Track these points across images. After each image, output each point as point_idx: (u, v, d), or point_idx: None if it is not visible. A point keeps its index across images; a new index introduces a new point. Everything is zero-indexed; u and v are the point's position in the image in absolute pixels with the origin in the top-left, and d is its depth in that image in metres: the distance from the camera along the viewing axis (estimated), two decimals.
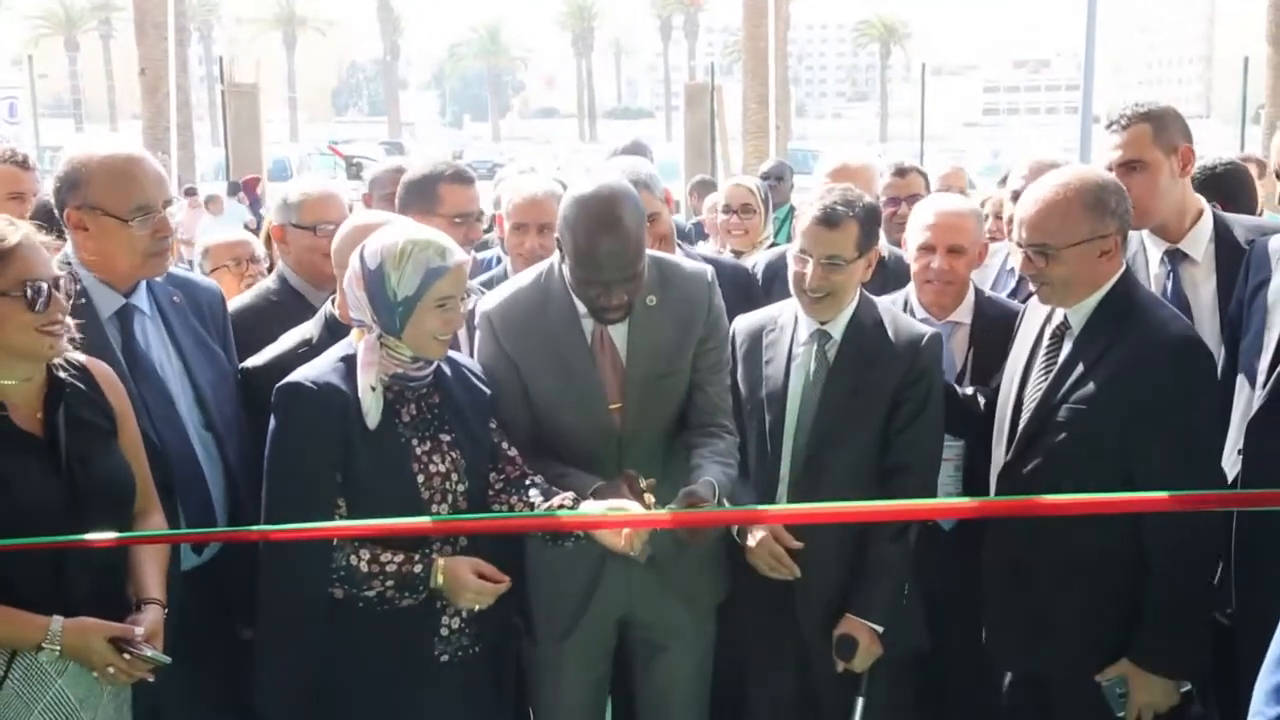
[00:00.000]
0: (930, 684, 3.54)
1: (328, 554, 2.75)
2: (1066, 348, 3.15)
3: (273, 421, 2.80)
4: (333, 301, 3.29)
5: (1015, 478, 3.18)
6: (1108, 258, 3.08)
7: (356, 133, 59.30)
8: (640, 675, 3.40)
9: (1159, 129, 3.46)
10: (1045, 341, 3.23)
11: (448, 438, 2.90)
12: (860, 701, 3.29)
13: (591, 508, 2.84)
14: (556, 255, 3.15)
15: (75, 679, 2.57)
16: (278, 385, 2.79)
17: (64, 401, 2.63)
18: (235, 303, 3.77)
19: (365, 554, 2.75)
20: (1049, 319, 3.26)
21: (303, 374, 2.80)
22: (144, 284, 3.11)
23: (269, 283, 3.85)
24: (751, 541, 3.26)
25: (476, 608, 2.84)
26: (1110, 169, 3.45)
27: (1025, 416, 3.18)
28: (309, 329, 3.26)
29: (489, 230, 5.19)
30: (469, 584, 2.77)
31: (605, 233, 2.95)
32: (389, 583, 2.76)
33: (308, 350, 3.10)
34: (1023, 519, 3.16)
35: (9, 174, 4.47)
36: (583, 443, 3.16)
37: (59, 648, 2.48)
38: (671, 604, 3.28)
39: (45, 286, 2.52)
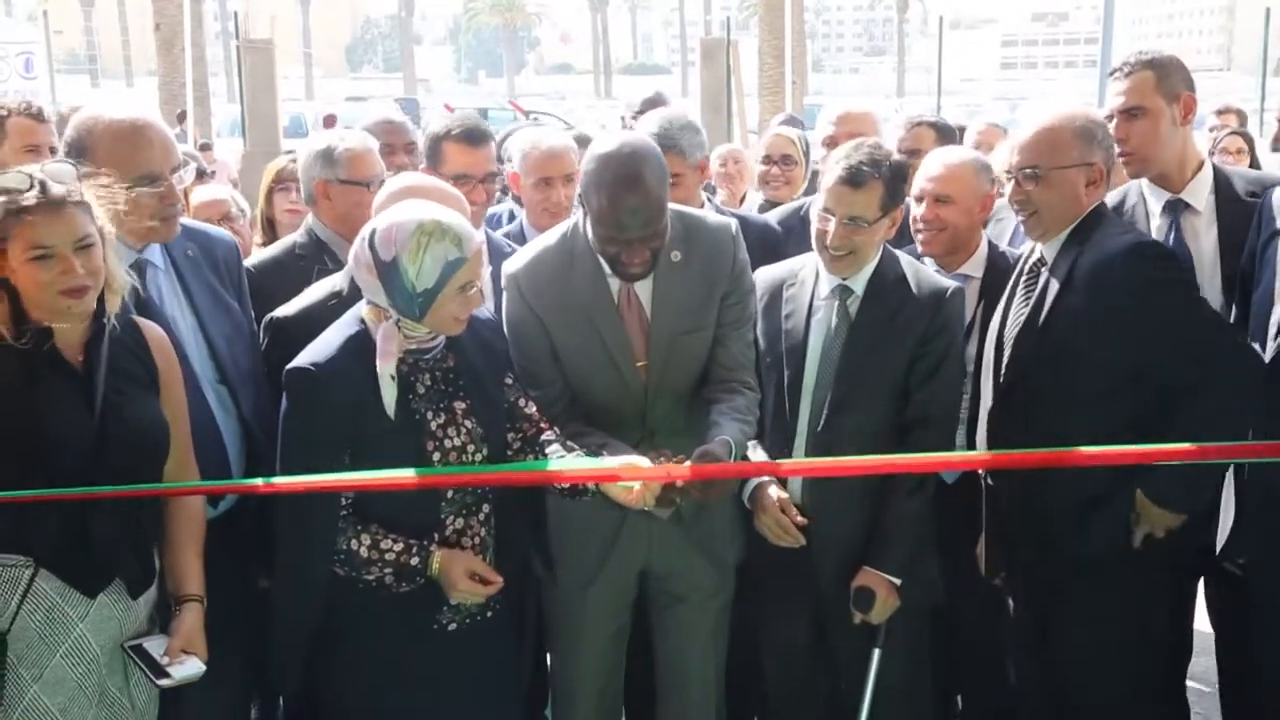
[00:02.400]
0: (943, 636, 3.56)
1: (334, 534, 2.74)
2: (1042, 278, 3.22)
3: (284, 403, 2.78)
4: None
5: (1005, 409, 3.24)
6: (1093, 188, 3.20)
7: (372, 89, 58.93)
8: (658, 626, 3.42)
9: (1162, 77, 3.48)
10: (1024, 277, 3.31)
11: (463, 405, 2.86)
12: (877, 653, 3.31)
13: (603, 462, 2.84)
14: (580, 213, 3.14)
15: (96, 625, 2.59)
16: (287, 368, 2.75)
17: (107, 349, 2.62)
18: (260, 256, 3.76)
19: (366, 539, 2.75)
20: (1027, 259, 3.34)
21: (312, 357, 2.74)
22: None
23: (297, 237, 3.78)
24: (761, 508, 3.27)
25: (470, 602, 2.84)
26: (1112, 115, 3.50)
27: (1008, 349, 3.24)
28: (338, 280, 3.19)
29: (505, 191, 5.09)
30: (457, 584, 2.76)
31: (627, 191, 2.93)
32: (387, 570, 2.77)
33: (337, 302, 3.06)
34: (1028, 439, 3.14)
35: (24, 126, 4.47)
36: (609, 400, 3.16)
37: None
38: (692, 557, 3.31)
39: (58, 250, 2.47)
